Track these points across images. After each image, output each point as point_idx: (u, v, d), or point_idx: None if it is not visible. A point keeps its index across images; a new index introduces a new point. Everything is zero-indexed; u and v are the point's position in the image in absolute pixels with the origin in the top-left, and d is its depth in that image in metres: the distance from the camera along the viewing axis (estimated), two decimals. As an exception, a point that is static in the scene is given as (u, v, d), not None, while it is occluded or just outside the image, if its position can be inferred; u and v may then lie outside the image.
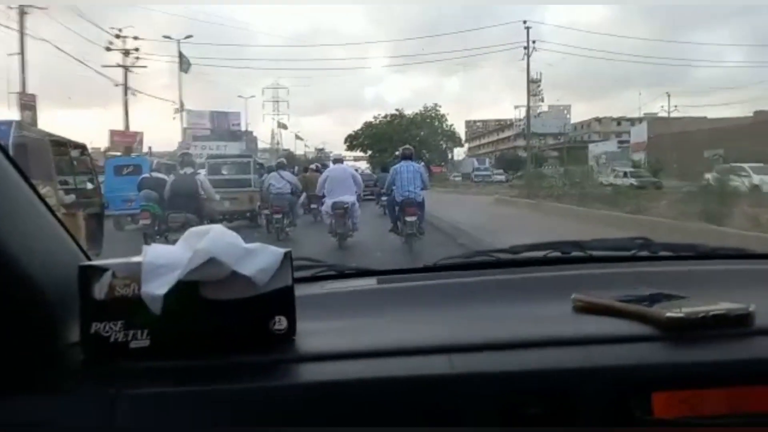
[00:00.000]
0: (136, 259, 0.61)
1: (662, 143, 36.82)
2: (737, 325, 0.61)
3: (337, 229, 7.72)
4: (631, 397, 0.55)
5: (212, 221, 6.60)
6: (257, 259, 0.61)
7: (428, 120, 57.93)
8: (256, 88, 64.85)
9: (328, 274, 1.01)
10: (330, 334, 0.68)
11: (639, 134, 46.77)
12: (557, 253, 1.07)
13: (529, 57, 26.39)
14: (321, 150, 74.41)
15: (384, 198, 9.18)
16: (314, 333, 0.67)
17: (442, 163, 62.64)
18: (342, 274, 1.02)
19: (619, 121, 72.52)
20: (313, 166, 15.17)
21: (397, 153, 9.43)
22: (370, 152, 57.97)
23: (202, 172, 9.97)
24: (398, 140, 55.30)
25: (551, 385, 0.56)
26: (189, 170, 7.33)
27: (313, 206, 11.28)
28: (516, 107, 76.09)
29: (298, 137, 66.90)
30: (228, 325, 0.61)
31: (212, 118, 52.56)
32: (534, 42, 30.71)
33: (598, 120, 68.70)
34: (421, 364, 0.58)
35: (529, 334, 0.64)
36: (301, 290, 0.82)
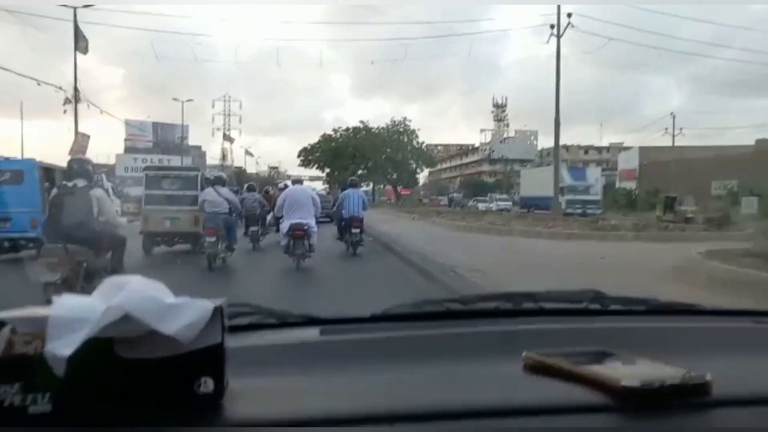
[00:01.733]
0: (42, 311, 0.58)
1: (657, 171, 35.94)
2: (695, 395, 0.62)
3: (295, 250, 8.16)
4: None
5: (116, 256, 5.33)
6: (182, 315, 0.59)
7: (396, 136, 54.25)
8: (215, 107, 63.65)
9: (268, 322, 1.00)
10: (263, 396, 0.66)
11: (629, 161, 45.98)
12: (509, 305, 1.10)
13: (559, 39, 22.62)
14: (275, 168, 73.68)
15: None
16: (246, 394, 0.64)
17: (410, 186, 59.39)
18: (283, 323, 1.01)
19: (586, 149, 75.61)
20: (281, 185, 15.40)
21: (353, 177, 13.85)
22: (328, 170, 54.08)
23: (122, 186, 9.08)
24: (362, 157, 51.29)
25: None
26: (81, 183, 5.18)
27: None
28: (482, 131, 77.92)
29: (248, 153, 65.83)
30: (146, 388, 0.59)
31: (156, 130, 51.23)
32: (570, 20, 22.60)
33: (566, 147, 71.33)
34: None
35: (477, 401, 0.64)
36: (237, 341, 0.81)
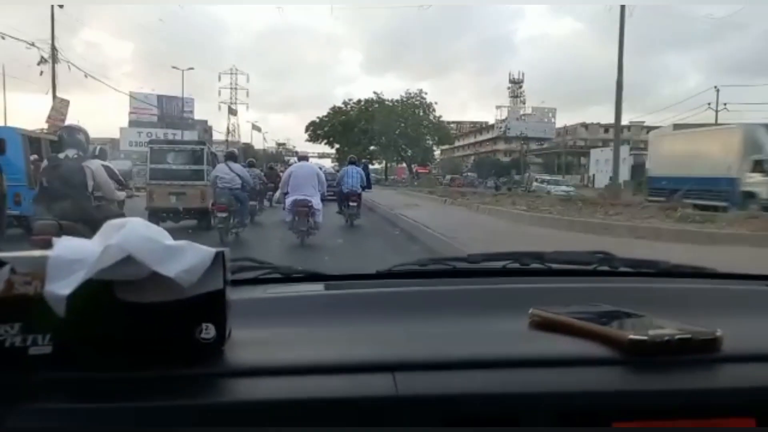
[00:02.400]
0: (41, 252, 0.59)
1: None
2: (703, 350, 0.62)
3: (299, 226, 8.29)
4: (590, 427, 0.56)
5: None
6: (182, 258, 0.59)
7: (411, 109, 50.07)
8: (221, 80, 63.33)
9: (273, 276, 1.01)
10: (266, 344, 0.67)
11: None
12: (516, 265, 1.10)
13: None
14: (282, 144, 73.66)
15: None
16: (248, 343, 0.65)
17: (428, 164, 55.29)
18: (288, 278, 1.01)
19: (606, 128, 74.53)
20: (291, 161, 15.88)
21: (352, 155, 14.99)
22: (337, 146, 50.80)
23: (117, 162, 8.91)
24: (374, 132, 47.18)
25: (499, 411, 0.56)
26: (73, 153, 4.85)
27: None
28: (498, 107, 76.72)
29: (255, 127, 65.69)
30: (146, 332, 0.59)
31: (160, 103, 51.20)
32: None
33: (585, 126, 70.46)
34: (362, 384, 0.58)
35: (480, 352, 0.64)
36: (241, 293, 0.82)
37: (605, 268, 1.11)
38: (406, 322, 0.78)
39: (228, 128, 60.36)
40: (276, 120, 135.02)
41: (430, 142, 51.28)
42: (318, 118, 52.78)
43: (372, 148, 49.61)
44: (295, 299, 0.88)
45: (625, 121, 75.66)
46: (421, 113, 50.12)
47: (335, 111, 52.15)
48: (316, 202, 8.48)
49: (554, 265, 1.11)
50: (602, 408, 0.57)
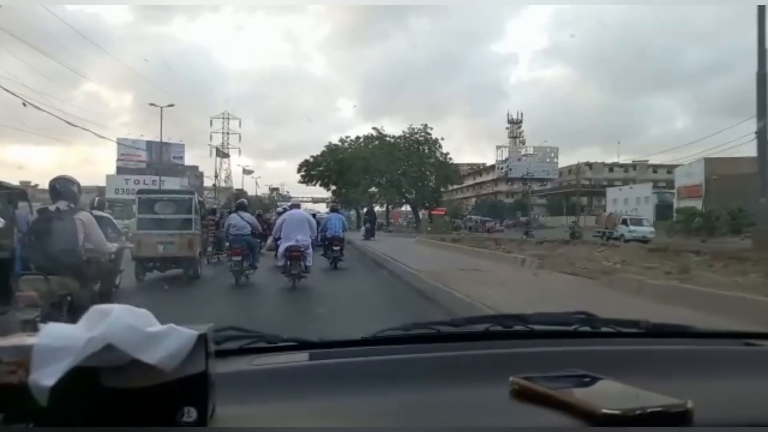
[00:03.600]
0: (28, 339, 0.62)
1: (730, 186, 31.26)
2: (675, 422, 0.66)
3: (292, 270, 9.40)
4: None
5: (105, 287, 5.32)
6: (164, 343, 0.63)
7: (416, 146, 47.01)
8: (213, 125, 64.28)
9: (258, 346, 1.05)
10: (249, 423, 0.70)
11: (689, 176, 42.73)
12: (498, 327, 1.16)
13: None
14: (275, 189, 74.02)
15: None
16: (232, 422, 0.69)
17: (442, 206, 51.90)
18: (272, 347, 1.06)
19: (611, 167, 75.22)
20: (279, 209, 17.15)
21: (334, 203, 16.56)
22: (333, 187, 47.99)
23: (107, 213, 8.97)
24: (375, 171, 44.10)
25: None
26: (64, 205, 4.93)
27: None
28: (498, 147, 77.58)
29: (246, 171, 66.11)
30: (129, 417, 0.62)
31: (150, 149, 51.87)
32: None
33: (589, 165, 71.15)
34: None
35: (464, 424, 0.69)
36: (226, 365, 0.87)
37: (587, 329, 1.18)
38: (392, 392, 0.82)
39: (216, 171, 60.25)
40: (271, 166, 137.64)
41: (434, 183, 47.96)
42: (312, 157, 49.67)
43: (372, 189, 46.72)
44: (280, 371, 0.92)
45: (625, 160, 76.23)
46: (426, 150, 47.28)
47: (330, 149, 48.65)
48: (308, 247, 9.61)
49: (536, 327, 1.17)
50: None
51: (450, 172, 49.21)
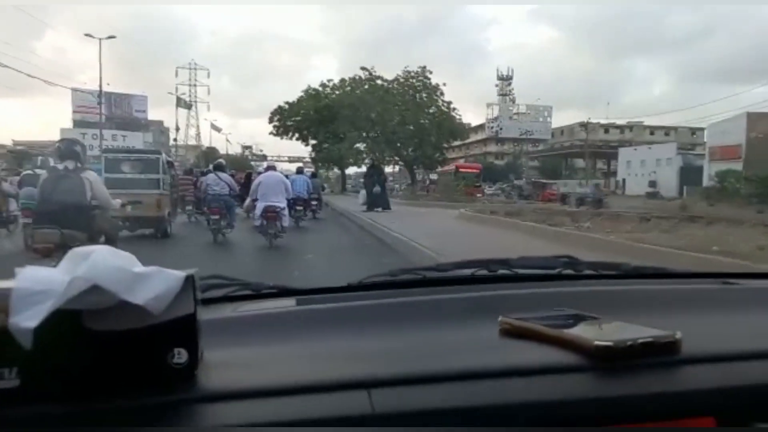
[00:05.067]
0: (5, 283, 0.63)
1: None
2: (665, 353, 0.72)
3: (269, 229, 10.42)
4: None
5: (109, 240, 5.93)
6: (151, 284, 0.64)
7: (412, 92, 39.95)
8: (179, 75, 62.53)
9: (243, 294, 1.08)
10: (239, 366, 0.73)
11: (724, 135, 37.64)
12: (484, 272, 1.22)
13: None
14: (248, 148, 73.23)
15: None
16: (221, 365, 0.71)
17: (435, 166, 43.90)
18: (258, 294, 1.09)
19: (606, 128, 75.43)
20: (260, 169, 17.93)
21: (300, 165, 16.02)
22: (314, 141, 41.75)
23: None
24: (365, 120, 37.05)
25: (474, 423, 0.63)
26: (71, 165, 5.72)
27: None
28: (489, 105, 76.97)
29: (214, 127, 65.28)
30: (117, 361, 0.64)
31: (109, 101, 50.67)
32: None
33: (584, 125, 71.23)
34: (338, 403, 0.64)
35: (454, 365, 0.72)
36: (211, 313, 0.90)
37: (570, 271, 1.25)
38: (379, 336, 0.86)
39: (176, 124, 58.49)
40: (247, 125, 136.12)
41: (435, 138, 40.12)
42: (286, 103, 42.47)
43: (358, 145, 40.16)
44: (266, 317, 0.95)
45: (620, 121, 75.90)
46: (425, 98, 40.17)
47: (309, 94, 41.69)
48: (283, 207, 10.64)
49: (521, 271, 1.23)
50: (571, 416, 0.65)
51: (454, 125, 41.78)
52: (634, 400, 0.67)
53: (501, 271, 1.23)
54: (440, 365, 0.72)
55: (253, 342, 0.82)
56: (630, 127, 74.22)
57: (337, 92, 41.32)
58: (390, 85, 40.15)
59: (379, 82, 40.25)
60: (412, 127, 38.91)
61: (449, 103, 41.40)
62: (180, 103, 58.58)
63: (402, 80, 40.50)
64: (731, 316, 0.96)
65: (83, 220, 5.52)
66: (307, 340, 0.84)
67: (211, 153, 53.07)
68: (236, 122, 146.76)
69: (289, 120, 42.50)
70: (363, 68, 40.67)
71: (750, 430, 0.68)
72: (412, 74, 40.40)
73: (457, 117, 42.75)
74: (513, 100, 75.78)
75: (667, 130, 73.54)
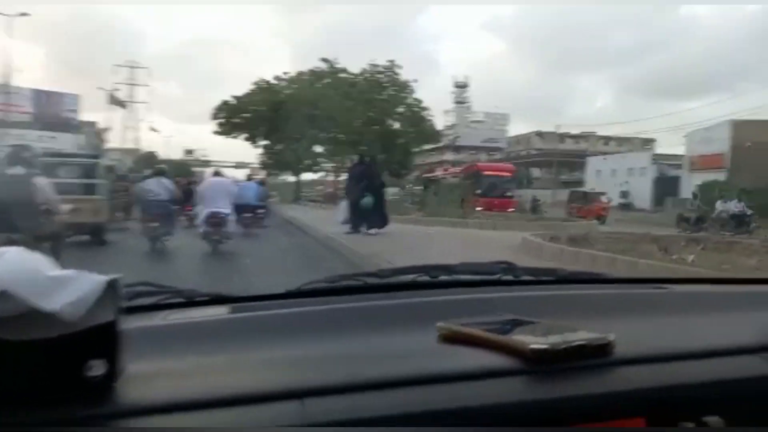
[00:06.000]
0: None
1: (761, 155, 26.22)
2: (598, 355, 0.75)
3: (213, 236, 10.35)
4: None
5: (56, 245, 6.07)
6: (67, 289, 0.60)
7: (378, 89, 36.06)
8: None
9: (175, 301, 1.05)
10: (164, 378, 0.70)
11: (707, 143, 35.92)
12: (425, 277, 1.25)
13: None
14: (190, 152, 69.95)
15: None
16: (143, 377, 0.68)
17: (403, 171, 38.72)
18: (191, 302, 1.06)
19: (562, 137, 75.76)
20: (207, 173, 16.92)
21: (250, 173, 15.45)
22: (265, 142, 37.16)
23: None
24: (326, 119, 32.01)
25: (410, 429, 0.63)
26: (21, 171, 6.01)
27: None
28: (446, 112, 76.07)
29: (152, 129, 61.92)
30: (26, 373, 0.60)
31: (36, 98, 46.61)
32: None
33: (540, 134, 71.24)
34: (267, 414, 0.62)
35: (390, 371, 0.73)
36: (138, 321, 0.87)
37: (509, 277, 1.30)
38: (316, 343, 0.85)
39: (109, 124, 54.49)
40: (195, 131, 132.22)
41: (405, 140, 36.53)
42: (234, 97, 37.30)
43: (316, 147, 36.47)
44: (197, 325, 0.92)
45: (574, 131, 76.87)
46: (393, 95, 36.28)
47: (261, 88, 37.07)
48: (228, 214, 10.58)
49: (461, 277, 1.29)
50: (507, 418, 0.67)
51: (426, 126, 38.06)
52: (568, 402, 0.69)
53: (441, 277, 1.27)
54: (377, 372, 0.72)
55: (183, 352, 0.79)
56: (585, 136, 74.76)
57: (294, 86, 37.11)
58: (355, 79, 36.39)
59: (342, 75, 36.39)
60: (378, 128, 35.38)
61: (420, 102, 37.73)
62: (112, 100, 54.30)
63: (369, 76, 36.75)
64: (663, 319, 1.02)
65: (33, 225, 5.77)
66: (241, 350, 0.82)
67: (149, 157, 49.50)
68: (184, 128, 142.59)
69: (236, 117, 37.61)
70: (324, 59, 36.41)
71: (677, 430, 0.72)
72: (380, 69, 36.68)
73: (428, 118, 39.27)
74: (469, 108, 75.00)
75: (620, 141, 74.49)
